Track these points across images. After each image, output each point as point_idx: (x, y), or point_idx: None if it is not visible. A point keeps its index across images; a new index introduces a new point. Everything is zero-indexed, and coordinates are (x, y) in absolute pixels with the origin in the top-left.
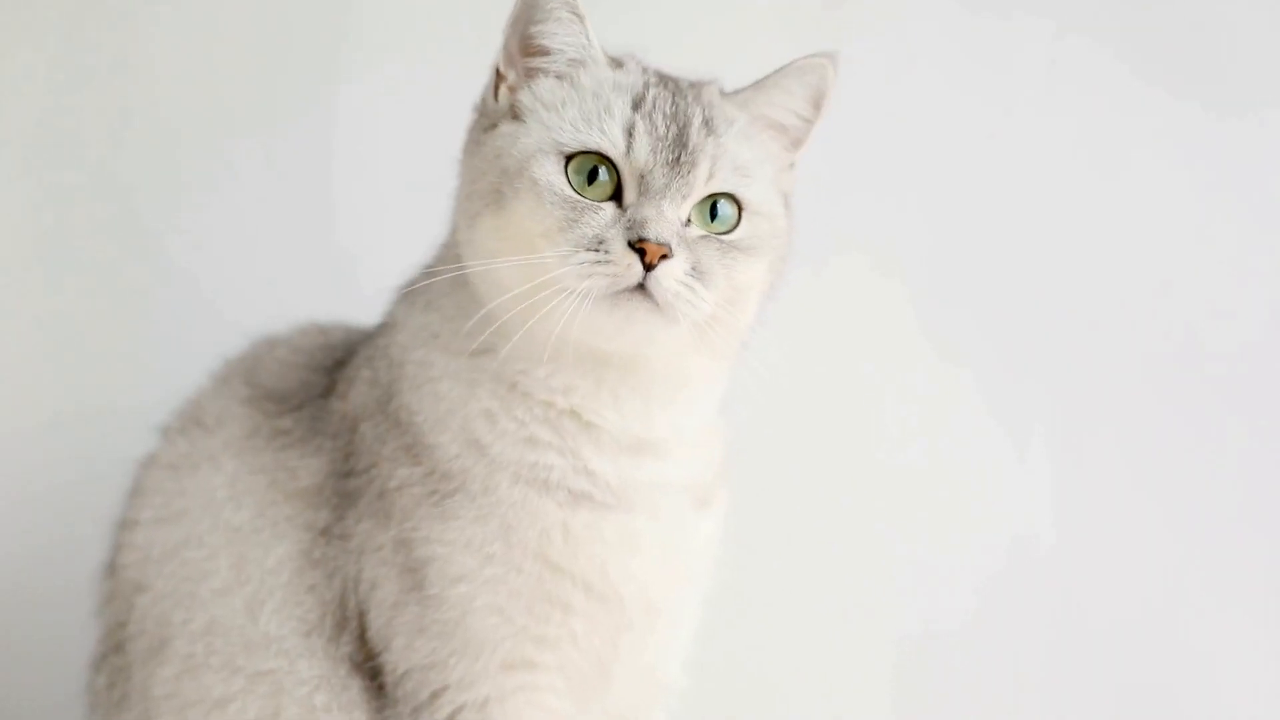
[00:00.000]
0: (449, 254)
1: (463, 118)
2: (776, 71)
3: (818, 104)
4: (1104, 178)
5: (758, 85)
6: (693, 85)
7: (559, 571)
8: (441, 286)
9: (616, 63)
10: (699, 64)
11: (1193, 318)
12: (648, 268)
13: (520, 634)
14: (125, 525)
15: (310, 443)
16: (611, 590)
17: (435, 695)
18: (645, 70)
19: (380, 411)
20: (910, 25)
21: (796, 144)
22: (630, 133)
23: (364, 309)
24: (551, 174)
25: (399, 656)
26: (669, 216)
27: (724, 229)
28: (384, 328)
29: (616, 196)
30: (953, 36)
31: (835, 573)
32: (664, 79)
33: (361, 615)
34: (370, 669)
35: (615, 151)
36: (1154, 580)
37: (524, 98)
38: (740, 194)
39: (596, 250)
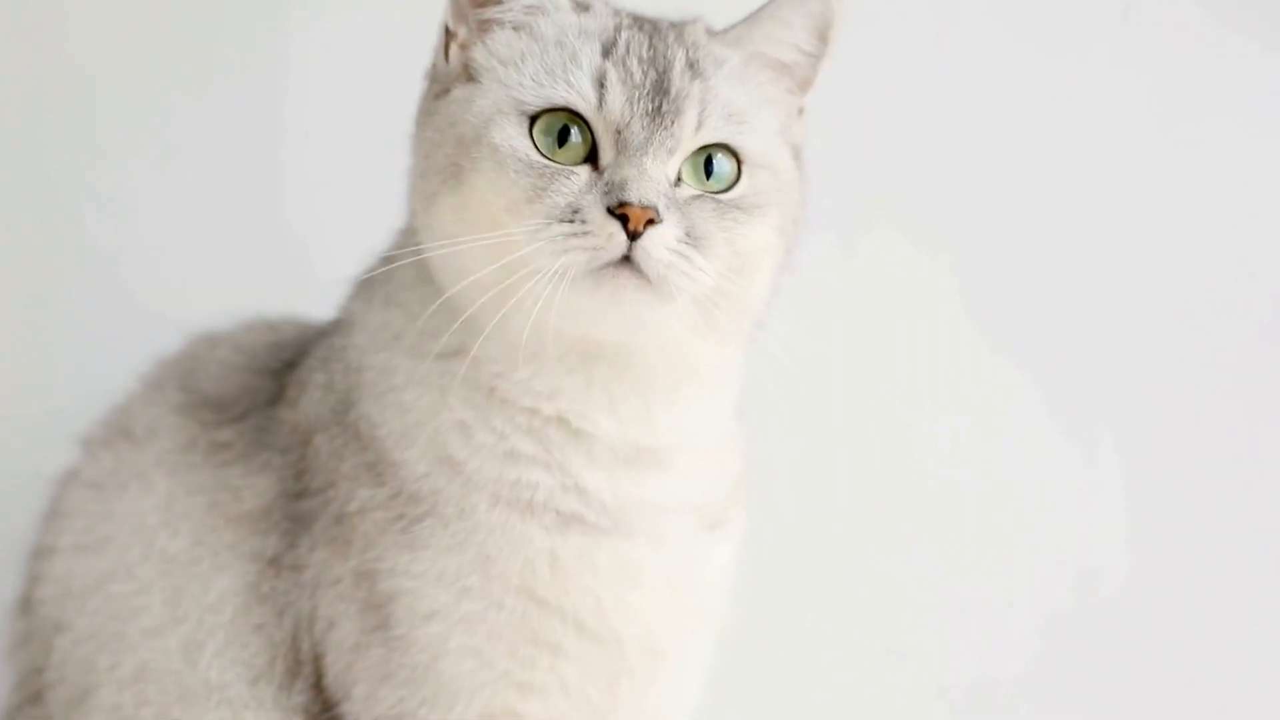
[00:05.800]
0: (408, 240)
1: None
2: (771, 1)
3: (824, 35)
4: (1185, 144)
5: (751, 19)
6: (674, 25)
7: (546, 607)
8: (403, 279)
9: (581, 6)
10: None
11: None
12: (632, 236)
13: (502, 679)
14: (41, 553)
15: (255, 458)
16: (608, 629)
17: None
18: (617, 12)
19: (337, 422)
20: None
21: (803, 85)
22: (601, 83)
23: (316, 298)
24: (514, 138)
25: (361, 707)
26: (653, 175)
27: (721, 186)
28: (339, 325)
29: (592, 159)
30: None
31: (870, 610)
32: (639, 20)
33: (317, 659)
34: None
35: (586, 106)
36: (1242, 618)
37: (478, 55)
38: (737, 144)
39: (571, 221)
